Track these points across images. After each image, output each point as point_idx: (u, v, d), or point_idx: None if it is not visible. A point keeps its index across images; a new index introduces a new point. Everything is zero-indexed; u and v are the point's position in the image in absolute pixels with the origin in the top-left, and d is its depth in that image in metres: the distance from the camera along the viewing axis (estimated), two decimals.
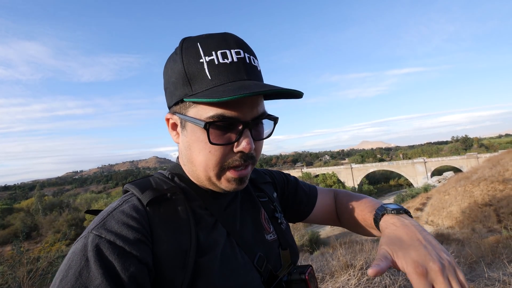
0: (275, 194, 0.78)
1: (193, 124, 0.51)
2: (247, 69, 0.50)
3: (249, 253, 0.57)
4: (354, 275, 2.70)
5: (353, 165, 56.97)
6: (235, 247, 0.56)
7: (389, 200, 44.12)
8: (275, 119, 0.57)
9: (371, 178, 60.91)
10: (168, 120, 0.58)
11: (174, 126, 0.58)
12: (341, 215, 0.79)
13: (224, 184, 0.54)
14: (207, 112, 0.49)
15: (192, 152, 0.54)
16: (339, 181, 51.39)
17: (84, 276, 0.39)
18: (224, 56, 0.49)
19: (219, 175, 0.53)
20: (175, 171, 0.61)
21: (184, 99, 0.50)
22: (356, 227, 0.74)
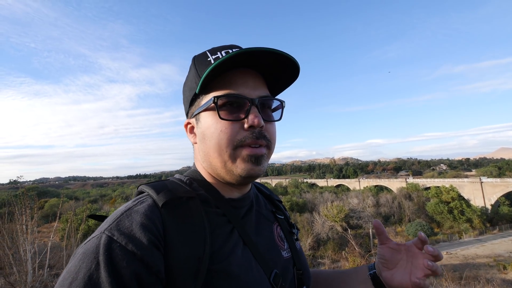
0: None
1: (205, 111, 0.56)
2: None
3: (264, 267, 0.54)
4: None
5: (484, 179, 43.72)
6: (251, 259, 0.53)
7: None
8: (281, 102, 0.61)
9: None
10: (186, 125, 0.63)
11: (191, 129, 0.62)
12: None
13: (240, 166, 0.54)
14: (215, 95, 0.54)
15: (206, 140, 0.56)
16: (460, 197, 40.07)
17: (93, 282, 0.39)
18: (228, 53, 0.55)
19: (233, 156, 0.54)
20: (193, 176, 0.61)
21: (196, 92, 0.55)
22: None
